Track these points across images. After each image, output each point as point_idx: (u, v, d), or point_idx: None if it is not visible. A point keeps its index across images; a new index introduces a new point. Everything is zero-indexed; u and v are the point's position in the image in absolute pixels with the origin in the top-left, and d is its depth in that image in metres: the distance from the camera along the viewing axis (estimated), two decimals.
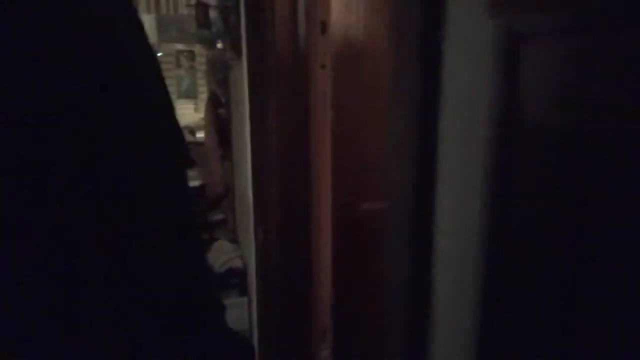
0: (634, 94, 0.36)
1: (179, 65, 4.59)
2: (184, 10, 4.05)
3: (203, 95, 4.40)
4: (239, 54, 2.16)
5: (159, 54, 4.32)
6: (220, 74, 2.88)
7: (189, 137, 3.76)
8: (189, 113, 4.59)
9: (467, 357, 0.60)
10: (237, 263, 2.65)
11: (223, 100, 2.99)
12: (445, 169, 0.64)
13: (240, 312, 2.48)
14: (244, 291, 2.59)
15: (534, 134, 0.48)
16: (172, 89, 4.41)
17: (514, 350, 0.53)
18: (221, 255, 2.66)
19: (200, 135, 3.78)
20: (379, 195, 1.53)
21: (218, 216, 3.13)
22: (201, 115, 3.95)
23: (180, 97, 4.65)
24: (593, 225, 0.41)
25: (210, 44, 3.14)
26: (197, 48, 4.41)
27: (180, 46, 4.43)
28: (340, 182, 1.66)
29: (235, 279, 2.58)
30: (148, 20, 4.00)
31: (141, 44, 0.49)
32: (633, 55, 0.36)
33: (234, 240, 2.97)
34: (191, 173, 2.94)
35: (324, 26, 1.62)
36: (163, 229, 0.48)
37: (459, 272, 0.62)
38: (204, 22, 2.78)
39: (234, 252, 2.75)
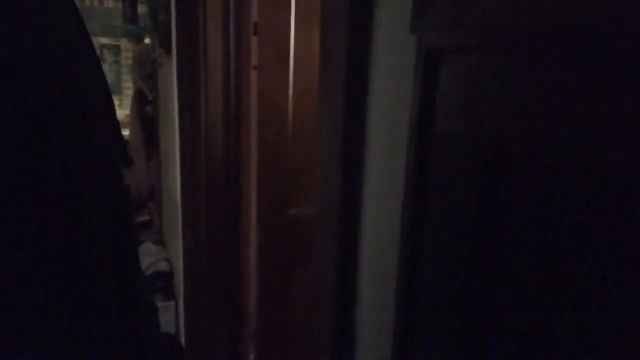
0: (535, 107, 0.40)
1: (102, 60, 4.38)
2: (109, 4, 3.88)
3: (128, 92, 4.22)
4: (168, 51, 2.10)
5: None
6: (147, 70, 2.78)
7: None
8: None
9: (389, 354, 0.63)
10: (163, 266, 2.57)
11: (150, 97, 2.89)
12: (371, 177, 0.67)
13: (167, 316, 2.41)
14: (170, 295, 2.52)
15: (448, 142, 0.52)
16: None
17: (431, 346, 0.57)
18: (146, 258, 2.57)
19: (124, 132, 3.63)
20: (305, 201, 1.56)
21: (143, 217, 3.02)
22: (126, 111, 3.79)
23: None
24: (499, 225, 0.45)
25: (138, 39, 3.03)
26: (123, 42, 4.23)
27: (104, 40, 4.23)
28: (267, 187, 1.66)
29: (161, 283, 2.51)
30: None
31: (82, 38, 0.48)
32: (534, 71, 0.40)
33: (160, 242, 2.88)
34: None
35: (256, 27, 1.62)
36: (97, 224, 0.46)
37: (382, 274, 0.65)
38: (131, 16, 2.68)
39: (159, 254, 2.67)
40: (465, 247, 0.50)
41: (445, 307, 0.54)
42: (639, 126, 0.32)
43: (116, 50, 4.36)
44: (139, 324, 0.54)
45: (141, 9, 2.85)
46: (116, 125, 0.55)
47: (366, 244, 0.69)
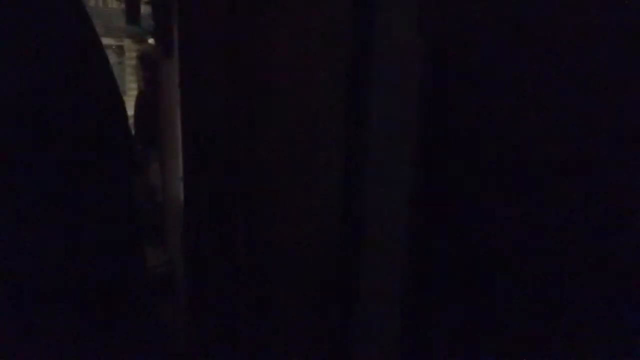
0: (541, 101, 0.40)
1: None
2: (113, 4, 3.88)
3: (133, 92, 4.22)
4: (170, 54, 2.09)
5: None
6: (150, 73, 2.78)
7: None
8: None
9: None
10: (164, 269, 2.57)
11: (153, 98, 2.89)
12: (373, 182, 0.66)
13: (168, 319, 2.40)
14: (171, 298, 2.51)
15: (453, 134, 0.52)
16: None
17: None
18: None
19: None
20: (294, 219, 1.55)
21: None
22: (130, 112, 3.79)
23: None
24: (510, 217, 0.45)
25: (141, 40, 3.03)
26: (127, 43, 4.23)
27: (108, 40, 4.23)
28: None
29: (161, 285, 2.50)
30: None
31: (97, 52, 0.49)
32: (535, 65, 0.40)
33: (161, 244, 2.88)
34: None
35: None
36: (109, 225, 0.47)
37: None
38: (134, 17, 2.68)
39: (160, 257, 2.67)
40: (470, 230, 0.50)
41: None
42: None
43: (120, 51, 4.36)
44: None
45: (145, 9, 2.85)
46: (128, 134, 0.56)
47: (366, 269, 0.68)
